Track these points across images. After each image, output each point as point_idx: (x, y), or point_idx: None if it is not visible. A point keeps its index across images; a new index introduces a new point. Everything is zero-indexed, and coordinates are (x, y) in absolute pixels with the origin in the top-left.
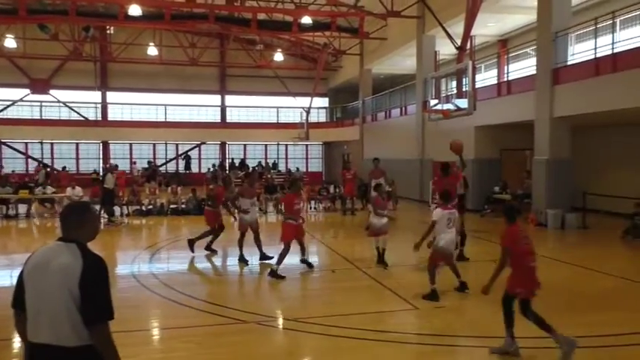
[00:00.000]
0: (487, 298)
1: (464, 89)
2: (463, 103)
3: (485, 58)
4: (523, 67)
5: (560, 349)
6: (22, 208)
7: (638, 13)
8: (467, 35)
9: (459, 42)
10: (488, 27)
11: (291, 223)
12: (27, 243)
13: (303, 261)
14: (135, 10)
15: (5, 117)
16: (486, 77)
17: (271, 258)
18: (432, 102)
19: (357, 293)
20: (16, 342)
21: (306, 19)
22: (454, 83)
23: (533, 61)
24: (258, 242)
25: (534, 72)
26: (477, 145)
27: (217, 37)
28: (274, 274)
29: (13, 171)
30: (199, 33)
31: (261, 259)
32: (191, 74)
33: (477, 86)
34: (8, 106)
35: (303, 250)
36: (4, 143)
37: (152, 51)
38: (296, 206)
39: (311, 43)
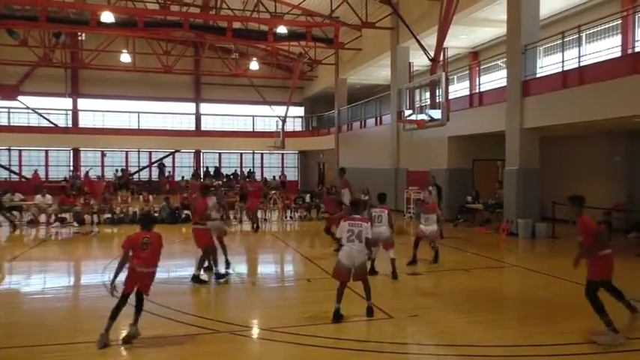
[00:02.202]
0: (460, 308)
1: (437, 100)
2: (437, 113)
3: (458, 69)
4: (494, 78)
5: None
6: None
7: (602, 27)
8: (440, 47)
9: (432, 53)
10: (460, 39)
11: (202, 229)
12: None
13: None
14: (107, 17)
15: None
16: (459, 88)
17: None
18: (407, 112)
19: (333, 302)
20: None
21: (282, 29)
22: (428, 94)
23: (503, 73)
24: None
25: (505, 84)
26: (450, 155)
27: (192, 45)
28: (197, 279)
29: None
30: (174, 40)
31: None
32: (165, 82)
33: (449, 97)
34: None
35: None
36: None
37: (125, 58)
38: (208, 211)
39: (286, 53)
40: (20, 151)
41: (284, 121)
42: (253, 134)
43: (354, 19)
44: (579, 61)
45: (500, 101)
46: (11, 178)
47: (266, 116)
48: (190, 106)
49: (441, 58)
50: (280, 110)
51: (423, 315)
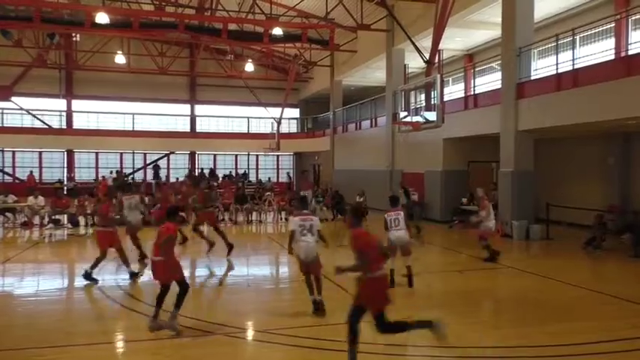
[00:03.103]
0: (455, 310)
1: (432, 102)
2: (432, 115)
3: (453, 71)
4: (489, 81)
5: None
6: None
7: (596, 30)
8: (435, 49)
9: (427, 56)
10: (455, 41)
11: (105, 231)
12: None
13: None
14: (102, 17)
15: None
16: (454, 90)
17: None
18: (402, 114)
19: (327, 304)
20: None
21: (277, 31)
22: (423, 96)
23: (498, 75)
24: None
25: (499, 86)
26: (445, 157)
27: (187, 47)
28: (88, 276)
29: None
30: (169, 42)
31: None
32: (160, 83)
33: (445, 99)
34: None
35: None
36: None
37: (120, 59)
38: (110, 214)
39: (282, 54)
40: (14, 152)
41: (279, 123)
42: (248, 136)
43: (349, 21)
44: (573, 64)
45: (495, 103)
46: (4, 179)
47: (261, 118)
48: (185, 108)
49: (436, 60)
50: (275, 112)
51: (418, 316)
